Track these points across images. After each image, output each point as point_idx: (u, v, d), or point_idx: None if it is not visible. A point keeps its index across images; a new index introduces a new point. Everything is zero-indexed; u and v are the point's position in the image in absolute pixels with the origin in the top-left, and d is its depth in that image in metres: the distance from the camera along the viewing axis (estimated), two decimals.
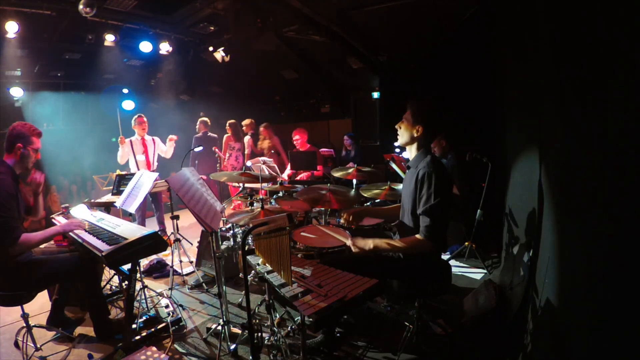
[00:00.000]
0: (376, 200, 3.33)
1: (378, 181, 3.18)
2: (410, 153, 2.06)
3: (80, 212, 2.96)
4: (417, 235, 1.88)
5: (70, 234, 2.39)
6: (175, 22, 5.91)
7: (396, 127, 2.06)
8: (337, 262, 1.77)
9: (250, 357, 1.58)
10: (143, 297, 2.73)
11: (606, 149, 1.15)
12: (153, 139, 4.60)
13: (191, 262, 3.59)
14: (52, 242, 2.65)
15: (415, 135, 1.96)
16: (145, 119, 4.54)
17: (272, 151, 5.61)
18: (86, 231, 2.39)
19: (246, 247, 1.62)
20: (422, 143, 1.99)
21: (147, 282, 3.20)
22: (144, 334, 2.41)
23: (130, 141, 4.43)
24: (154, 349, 2.27)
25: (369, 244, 1.93)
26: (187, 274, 3.53)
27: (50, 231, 2.31)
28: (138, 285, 2.59)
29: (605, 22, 1.14)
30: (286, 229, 1.50)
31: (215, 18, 5.72)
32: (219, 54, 6.07)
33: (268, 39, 5.43)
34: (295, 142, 4.93)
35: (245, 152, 5.79)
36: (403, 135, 2.02)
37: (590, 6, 1.26)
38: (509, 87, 3.23)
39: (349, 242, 2.01)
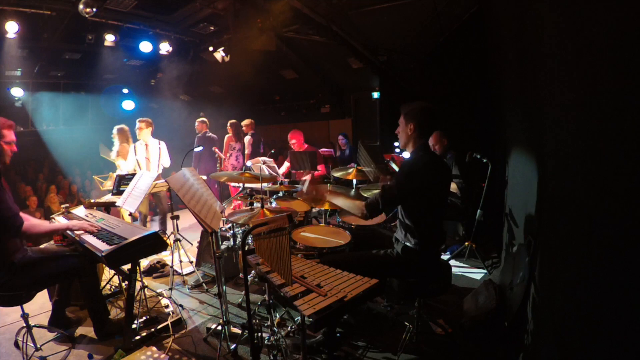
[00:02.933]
0: None
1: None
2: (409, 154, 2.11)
3: (80, 213, 2.96)
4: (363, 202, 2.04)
5: (70, 233, 2.39)
6: (175, 22, 5.92)
7: (395, 132, 2.14)
8: (337, 262, 1.78)
9: (250, 357, 1.58)
10: (143, 297, 2.73)
11: (607, 147, 1.15)
12: (159, 145, 4.37)
13: (191, 262, 3.59)
14: (51, 241, 2.66)
15: (410, 133, 2.03)
16: (140, 124, 4.24)
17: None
18: (87, 232, 2.39)
19: (246, 247, 1.62)
20: (417, 141, 2.04)
21: (147, 282, 3.20)
22: (144, 334, 2.41)
23: (134, 146, 4.29)
24: (154, 349, 2.28)
25: (322, 196, 2.20)
26: (187, 274, 3.53)
27: (58, 225, 2.33)
28: (138, 285, 2.59)
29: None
30: (286, 229, 1.50)
31: (215, 18, 5.73)
32: (219, 54, 6.07)
33: (268, 39, 5.43)
34: (292, 146, 4.91)
35: (246, 152, 5.79)
36: (401, 137, 2.10)
37: None
38: (508, 86, 3.23)
39: (304, 187, 2.21)
